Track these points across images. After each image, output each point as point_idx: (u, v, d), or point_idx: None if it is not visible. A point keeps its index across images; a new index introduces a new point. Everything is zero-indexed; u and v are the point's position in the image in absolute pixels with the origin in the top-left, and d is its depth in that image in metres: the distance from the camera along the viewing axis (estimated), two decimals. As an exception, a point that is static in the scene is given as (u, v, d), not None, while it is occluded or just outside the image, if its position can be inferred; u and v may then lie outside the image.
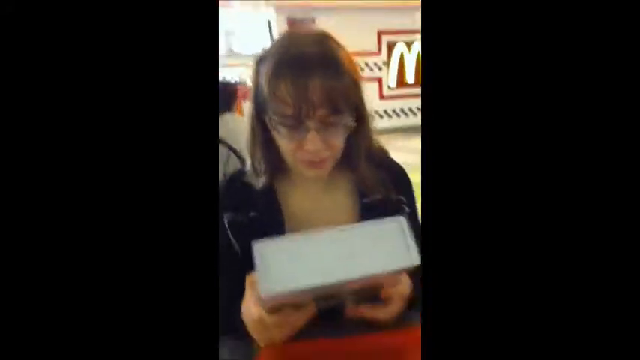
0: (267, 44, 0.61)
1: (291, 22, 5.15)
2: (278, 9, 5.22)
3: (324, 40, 0.56)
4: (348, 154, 0.62)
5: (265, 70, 0.56)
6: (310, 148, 0.54)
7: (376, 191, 0.64)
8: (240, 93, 2.13)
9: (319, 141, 0.54)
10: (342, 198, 0.66)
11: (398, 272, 0.46)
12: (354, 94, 0.57)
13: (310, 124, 0.53)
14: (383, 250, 0.42)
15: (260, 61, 0.57)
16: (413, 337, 0.48)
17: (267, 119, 0.56)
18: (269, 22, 5.40)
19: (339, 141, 0.57)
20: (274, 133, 0.57)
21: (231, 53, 5.61)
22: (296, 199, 0.64)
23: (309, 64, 0.53)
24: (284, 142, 0.56)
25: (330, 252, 0.41)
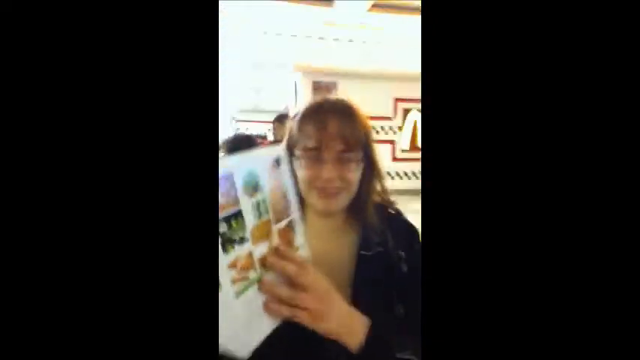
0: (291, 103, 0.80)
1: (316, 85, 5.55)
2: (305, 73, 5.66)
3: (344, 99, 0.71)
4: (358, 205, 0.71)
5: (297, 117, 0.71)
6: (326, 176, 0.65)
7: (377, 243, 0.69)
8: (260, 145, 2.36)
9: (334, 171, 0.65)
10: (345, 246, 0.70)
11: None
12: (365, 139, 0.68)
13: (327, 155, 0.66)
14: None
15: (294, 116, 0.72)
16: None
17: (294, 157, 0.67)
18: (295, 84, 5.83)
19: (351, 175, 0.67)
20: (299, 169, 0.67)
21: (257, 108, 6.00)
22: (313, 244, 0.63)
23: (329, 109, 0.68)
24: (306, 172, 0.66)
25: None
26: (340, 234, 0.73)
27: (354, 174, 0.68)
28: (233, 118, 5.61)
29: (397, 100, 6.46)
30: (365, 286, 0.66)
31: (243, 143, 2.08)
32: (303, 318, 0.50)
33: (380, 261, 0.68)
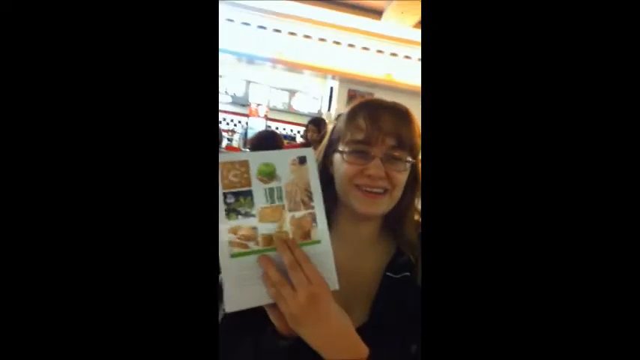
0: (325, 108, 0.77)
1: (352, 93, 5.55)
2: (342, 81, 5.66)
3: (399, 103, 0.69)
4: (397, 215, 0.66)
5: (345, 111, 0.67)
6: (372, 173, 0.60)
7: (405, 265, 0.64)
8: (284, 147, 2.33)
9: (382, 168, 0.60)
10: (373, 261, 0.66)
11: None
12: (416, 143, 0.64)
13: (377, 151, 0.61)
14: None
15: (338, 115, 0.71)
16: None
17: (336, 154, 0.64)
18: (331, 89, 5.85)
19: (398, 177, 0.62)
20: (340, 165, 0.62)
21: (288, 108, 6.05)
22: (337, 253, 0.59)
23: (384, 106, 0.65)
24: (349, 167, 0.61)
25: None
26: (371, 246, 0.67)
27: (402, 176, 0.63)
28: (265, 116, 5.65)
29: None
30: (382, 312, 0.61)
31: (268, 140, 2.06)
32: (282, 310, 0.49)
33: (404, 288, 0.62)
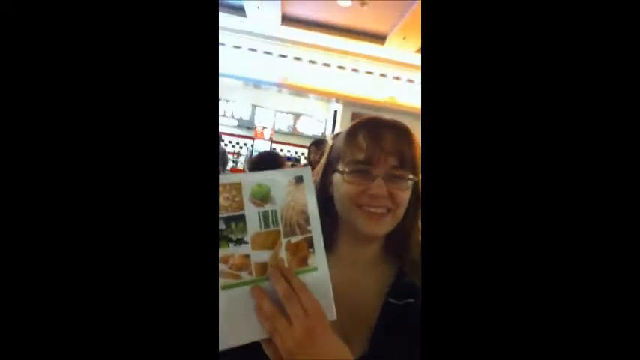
0: (329, 130, 0.74)
1: (356, 116, 5.63)
2: (345, 104, 5.75)
3: (399, 121, 0.66)
4: (401, 236, 0.63)
5: (344, 131, 0.65)
6: (375, 192, 0.58)
7: (408, 291, 0.60)
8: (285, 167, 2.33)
9: (384, 187, 0.58)
10: (374, 285, 0.63)
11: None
12: (418, 161, 0.61)
13: (379, 171, 0.59)
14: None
15: (337, 134, 0.67)
16: None
17: (336, 174, 0.61)
18: (335, 112, 5.93)
19: (401, 196, 0.59)
20: (341, 186, 0.60)
21: (293, 131, 6.12)
22: (337, 278, 0.55)
23: (384, 125, 0.62)
24: (350, 188, 0.59)
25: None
26: (372, 269, 0.64)
27: (405, 195, 0.60)
28: (269, 139, 5.71)
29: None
30: (383, 342, 0.57)
31: (269, 161, 2.04)
32: (278, 345, 0.45)
33: (406, 315, 0.58)
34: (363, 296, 0.61)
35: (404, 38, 4.84)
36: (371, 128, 0.62)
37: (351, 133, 0.63)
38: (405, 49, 5.16)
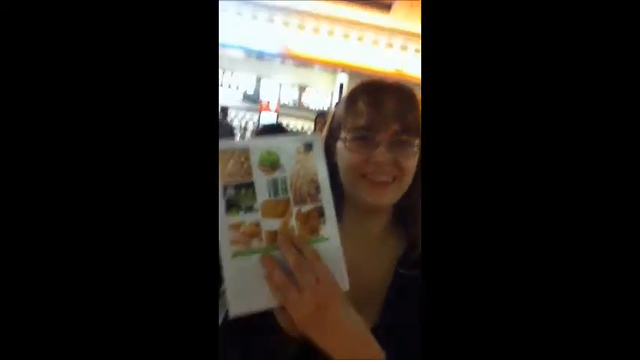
0: (334, 102, 0.72)
1: (361, 88, 5.53)
2: (351, 76, 5.64)
3: (402, 82, 0.62)
4: (409, 205, 0.61)
5: (344, 96, 0.62)
6: (379, 159, 0.55)
7: (418, 262, 0.57)
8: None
9: (388, 154, 0.55)
10: (383, 257, 0.61)
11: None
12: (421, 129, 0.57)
13: (381, 137, 0.55)
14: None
15: (338, 102, 0.68)
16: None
17: (338, 142, 0.59)
18: (341, 85, 5.84)
19: (407, 162, 0.56)
20: (343, 154, 0.58)
21: (299, 105, 6.06)
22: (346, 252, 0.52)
23: (385, 87, 0.58)
24: (353, 156, 0.56)
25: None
26: (380, 242, 0.62)
27: (411, 161, 0.57)
28: (275, 111, 5.66)
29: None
30: (394, 312, 0.57)
31: (274, 133, 2.05)
32: (291, 314, 0.44)
33: (416, 286, 0.54)
34: (371, 268, 0.60)
35: (411, 6, 4.70)
36: (371, 92, 0.58)
37: (351, 98, 0.60)
38: (412, 18, 5.01)
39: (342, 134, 0.59)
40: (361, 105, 0.57)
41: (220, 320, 0.54)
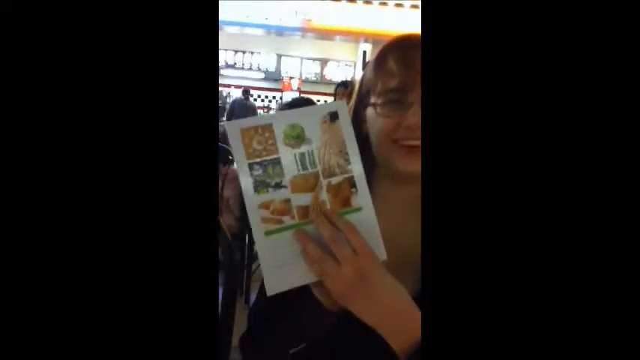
0: (359, 74, 0.65)
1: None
2: (374, 43, 5.41)
3: None
4: None
5: (373, 57, 0.58)
6: (412, 122, 0.52)
7: None
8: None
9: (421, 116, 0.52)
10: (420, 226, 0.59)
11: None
12: None
13: (415, 97, 0.52)
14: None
15: (366, 64, 0.62)
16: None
17: (368, 109, 0.57)
18: (364, 53, 5.61)
19: None
20: (375, 120, 0.56)
21: (321, 79, 5.93)
22: (380, 222, 0.54)
23: (417, 43, 0.53)
24: (385, 121, 0.54)
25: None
26: (416, 210, 0.57)
27: None
28: (297, 89, 5.62)
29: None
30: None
31: (300, 105, 1.97)
32: (329, 287, 0.45)
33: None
34: (407, 237, 0.58)
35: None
36: (401, 49, 0.55)
37: (380, 59, 0.56)
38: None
39: (372, 99, 0.56)
40: (391, 64, 0.55)
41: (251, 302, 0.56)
